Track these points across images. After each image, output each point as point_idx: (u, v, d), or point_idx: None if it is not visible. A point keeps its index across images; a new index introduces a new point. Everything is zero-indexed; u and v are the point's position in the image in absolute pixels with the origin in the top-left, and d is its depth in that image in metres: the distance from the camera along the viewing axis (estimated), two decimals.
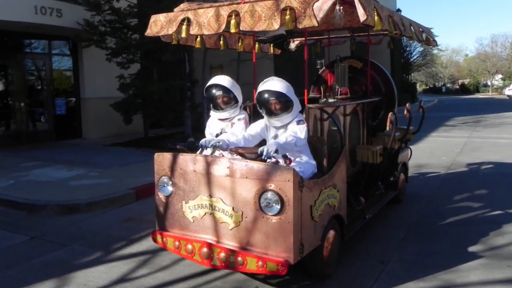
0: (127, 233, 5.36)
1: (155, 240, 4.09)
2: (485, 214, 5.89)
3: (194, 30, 4.02)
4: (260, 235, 3.50)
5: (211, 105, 4.50)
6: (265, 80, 4.03)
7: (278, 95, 3.90)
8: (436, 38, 6.11)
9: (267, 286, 3.92)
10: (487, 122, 18.10)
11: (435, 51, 51.53)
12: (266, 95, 3.94)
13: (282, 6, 3.56)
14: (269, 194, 3.43)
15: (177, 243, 3.87)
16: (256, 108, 4.22)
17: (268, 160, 3.58)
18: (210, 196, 3.71)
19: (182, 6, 4.40)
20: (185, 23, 4.08)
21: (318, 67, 6.71)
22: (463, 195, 6.81)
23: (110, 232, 5.45)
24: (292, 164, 3.88)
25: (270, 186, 3.42)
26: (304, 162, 3.97)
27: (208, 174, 3.71)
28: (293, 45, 6.83)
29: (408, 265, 4.30)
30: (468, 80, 68.37)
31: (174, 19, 4.17)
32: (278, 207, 3.40)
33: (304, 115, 4.19)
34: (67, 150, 11.01)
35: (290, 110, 3.94)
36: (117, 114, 11.47)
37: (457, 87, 67.70)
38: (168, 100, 11.93)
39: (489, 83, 62.39)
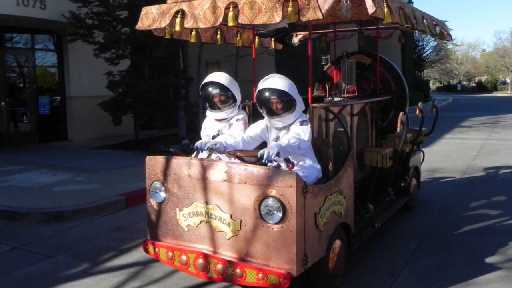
0: (116, 243, 5.36)
1: (146, 251, 4.09)
2: (503, 222, 5.89)
3: (188, 23, 4.03)
4: (260, 245, 3.50)
5: (207, 105, 4.51)
6: (265, 77, 4.04)
7: (280, 93, 3.91)
8: (451, 32, 6.13)
9: None
10: (506, 123, 18.11)
11: (449, 46, 51.67)
12: (267, 94, 3.95)
13: None
14: (270, 201, 3.43)
15: (170, 253, 3.87)
16: (256, 108, 4.23)
17: (269, 164, 3.58)
18: (206, 203, 3.72)
19: None
20: (179, 16, 4.09)
21: (323, 63, 6.74)
22: (480, 202, 6.81)
23: (97, 242, 5.45)
24: (295, 168, 3.88)
25: (271, 192, 3.43)
26: (308, 166, 3.98)
27: (204, 179, 3.71)
28: (296, 40, 6.85)
29: (420, 278, 4.29)
30: (485, 77, 68.47)
31: (167, 11, 4.18)
32: (280, 214, 3.41)
33: (308, 115, 4.20)
34: (52, 153, 11.01)
35: (293, 110, 3.95)
36: (106, 114, 11.47)
37: (474, 84, 67.83)
38: (160, 99, 11.93)
39: (508, 80, 62.43)
